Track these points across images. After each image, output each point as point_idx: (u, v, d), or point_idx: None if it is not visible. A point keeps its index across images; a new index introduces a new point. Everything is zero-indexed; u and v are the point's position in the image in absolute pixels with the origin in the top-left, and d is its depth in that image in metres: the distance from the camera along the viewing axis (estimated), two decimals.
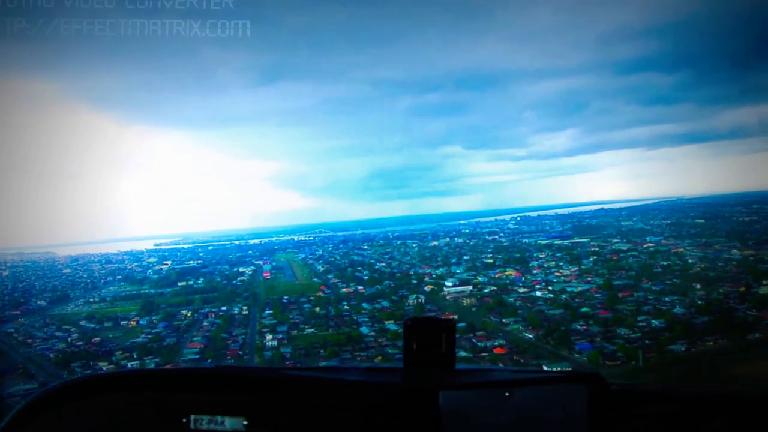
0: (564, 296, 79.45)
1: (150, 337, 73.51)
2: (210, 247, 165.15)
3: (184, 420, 2.22)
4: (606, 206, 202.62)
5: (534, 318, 71.16)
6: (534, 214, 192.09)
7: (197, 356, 65.24)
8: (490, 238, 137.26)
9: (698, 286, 74.40)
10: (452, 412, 2.22)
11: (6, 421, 2.24)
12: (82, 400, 2.30)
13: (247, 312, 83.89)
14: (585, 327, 66.00)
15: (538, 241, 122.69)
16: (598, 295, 77.82)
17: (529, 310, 75.71)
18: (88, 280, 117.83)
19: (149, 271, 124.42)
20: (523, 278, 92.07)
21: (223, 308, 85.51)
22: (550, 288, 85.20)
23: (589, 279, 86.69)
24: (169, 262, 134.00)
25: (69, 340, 74.46)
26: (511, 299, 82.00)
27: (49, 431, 2.24)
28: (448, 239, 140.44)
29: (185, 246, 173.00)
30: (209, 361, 63.28)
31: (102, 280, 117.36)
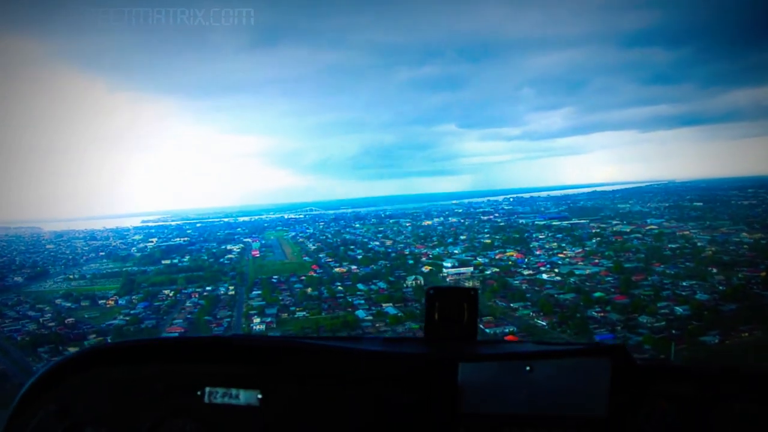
0: (573, 279, 73.32)
1: (128, 318, 66.32)
2: (198, 225, 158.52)
3: (199, 393, 2.10)
4: (599, 188, 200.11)
5: (544, 303, 64.82)
6: (527, 195, 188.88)
7: None
8: (486, 218, 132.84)
9: (714, 270, 68.13)
10: (472, 385, 2.13)
11: (20, 395, 2.14)
12: (93, 372, 2.17)
13: (233, 292, 76.81)
14: (602, 314, 59.34)
15: (536, 222, 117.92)
16: (609, 278, 71.80)
17: (538, 294, 69.47)
18: (70, 257, 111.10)
19: (133, 248, 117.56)
20: (525, 260, 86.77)
21: (208, 288, 78.41)
22: (556, 270, 79.50)
23: (597, 261, 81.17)
24: (154, 240, 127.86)
25: (41, 320, 67.23)
26: (516, 282, 75.98)
27: (61, 404, 2.10)
28: (441, 219, 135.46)
29: (173, 223, 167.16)
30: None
31: (84, 257, 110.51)
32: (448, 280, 79.60)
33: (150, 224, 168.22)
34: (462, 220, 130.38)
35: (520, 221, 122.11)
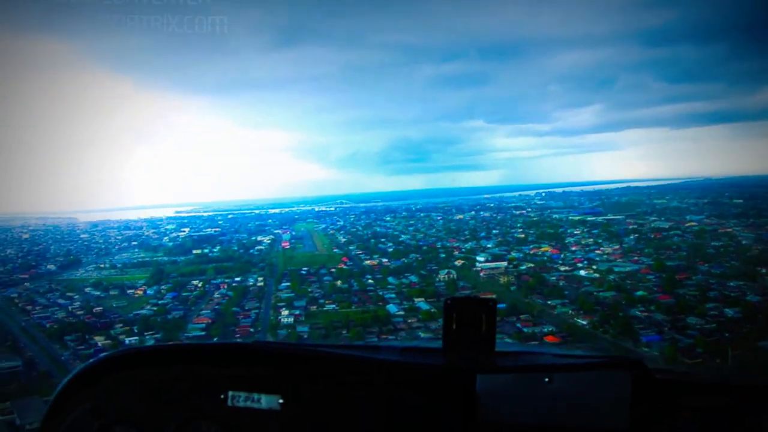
0: (612, 277, 69.71)
1: (155, 309, 64.57)
2: (230, 216, 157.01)
3: (222, 396, 2.15)
4: (633, 184, 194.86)
5: (584, 301, 61.42)
6: (559, 190, 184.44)
7: (202, 333, 56.29)
8: (518, 212, 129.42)
9: (764, 271, 63.84)
10: (490, 396, 2.11)
11: (56, 392, 2.20)
12: (122, 374, 2.24)
13: (262, 283, 74.62)
14: (646, 313, 55.79)
15: (570, 217, 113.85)
16: (651, 276, 68.03)
17: (576, 291, 66.05)
18: (103, 246, 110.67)
19: (165, 238, 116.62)
20: (561, 255, 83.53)
21: (237, 279, 76.41)
22: (594, 267, 75.94)
23: (636, 258, 77.31)
24: (186, 230, 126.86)
25: (70, 308, 65.98)
26: (553, 278, 72.69)
27: (96, 403, 2.17)
28: (473, 213, 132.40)
29: (205, 214, 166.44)
30: (215, 339, 54.23)
31: (116, 246, 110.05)
32: (481, 274, 77.06)
33: (183, 215, 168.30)
34: (494, 215, 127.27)
35: (554, 216, 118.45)
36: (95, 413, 2.16)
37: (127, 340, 54.68)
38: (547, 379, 2.12)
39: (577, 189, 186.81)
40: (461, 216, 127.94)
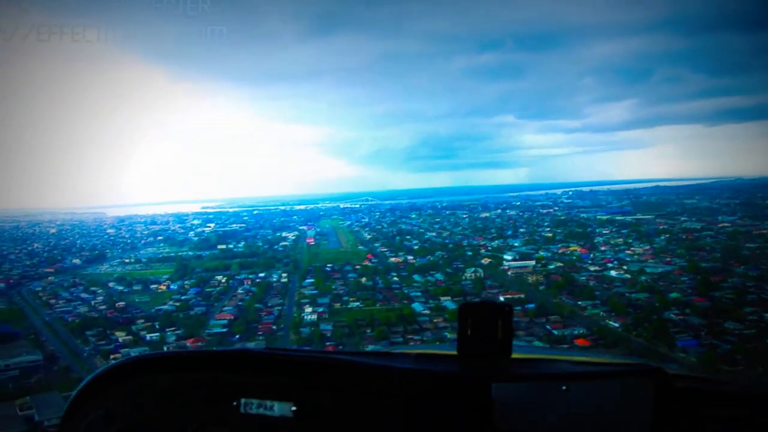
0: (644, 278, 67.24)
1: (177, 304, 63.63)
2: (255, 212, 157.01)
3: (234, 403, 2.14)
4: (661, 184, 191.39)
5: (616, 302, 59.18)
6: (586, 189, 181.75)
7: (224, 330, 55.05)
8: (545, 211, 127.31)
9: None
10: (505, 405, 2.06)
11: (71, 398, 2.23)
12: (136, 380, 2.24)
13: (286, 280, 73.43)
14: (681, 317, 53.31)
15: (598, 216, 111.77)
16: (684, 278, 65.35)
17: (607, 292, 63.87)
18: (129, 241, 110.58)
19: (191, 233, 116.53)
20: (591, 255, 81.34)
21: (261, 275, 75.38)
22: (625, 267, 73.65)
23: (669, 259, 74.69)
24: (212, 225, 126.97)
25: (93, 303, 65.39)
26: (583, 278, 70.50)
27: (109, 409, 2.18)
28: (499, 211, 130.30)
29: (231, 210, 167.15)
30: (237, 337, 53.16)
31: (142, 241, 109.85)
32: (509, 273, 75.13)
33: (209, 210, 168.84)
34: (521, 213, 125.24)
35: (582, 215, 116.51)
36: (108, 419, 2.13)
37: (147, 336, 53.79)
38: (564, 387, 2.06)
39: (605, 188, 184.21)
40: (487, 214, 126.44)
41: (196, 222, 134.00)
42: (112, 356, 48.71)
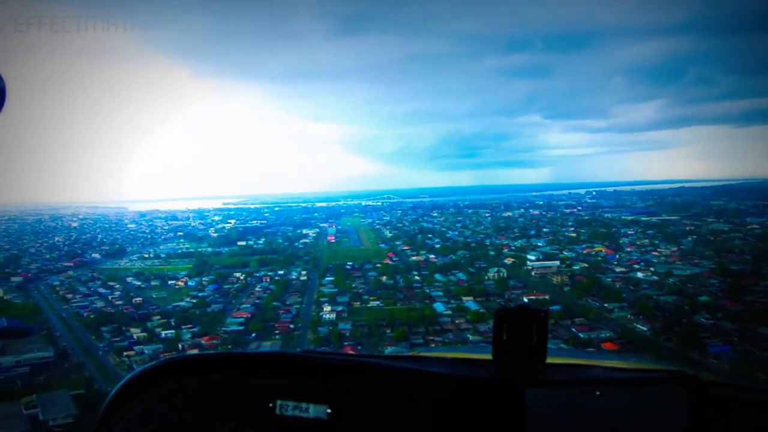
0: (672, 280, 64.62)
1: (194, 301, 62.08)
2: (276, 208, 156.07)
3: (270, 405, 2.14)
4: (687, 185, 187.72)
5: (643, 305, 56.69)
6: (610, 189, 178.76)
7: (241, 328, 53.28)
8: (568, 211, 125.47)
9: None
10: (539, 410, 2.05)
11: (109, 397, 2.25)
12: (173, 381, 2.27)
13: (305, 277, 71.64)
14: (712, 321, 50.61)
15: (622, 217, 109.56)
16: (713, 281, 62.59)
17: (634, 294, 61.40)
18: (149, 236, 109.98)
19: (211, 229, 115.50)
20: (616, 256, 78.97)
21: (281, 272, 73.71)
22: (652, 269, 71.10)
23: (696, 261, 72.03)
24: (233, 221, 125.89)
25: (110, 298, 64.13)
26: (608, 279, 68.13)
27: (146, 409, 2.20)
28: (522, 210, 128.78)
29: (252, 206, 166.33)
30: (253, 335, 51.41)
31: (162, 236, 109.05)
32: (532, 273, 72.88)
33: (231, 206, 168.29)
34: (544, 212, 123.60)
35: (606, 215, 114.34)
36: (145, 418, 2.15)
37: (162, 333, 52.24)
38: (598, 393, 2.03)
39: (629, 188, 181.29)
40: (510, 213, 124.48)
41: (216, 218, 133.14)
42: (125, 353, 47.38)
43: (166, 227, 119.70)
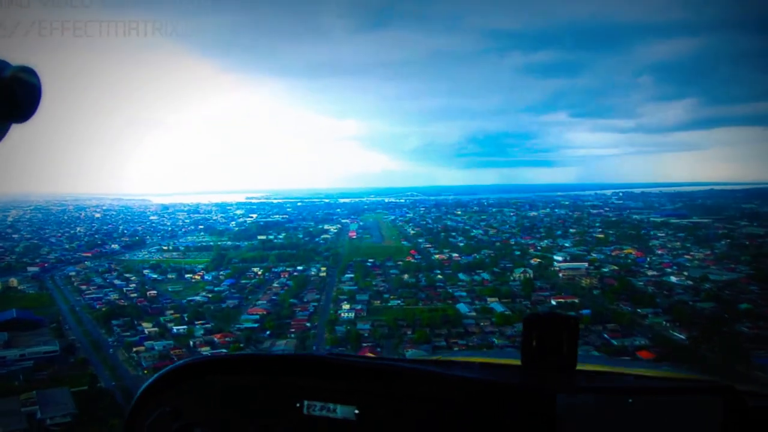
0: (708, 285, 60.94)
1: (210, 296, 59.78)
2: (299, 204, 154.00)
3: (298, 405, 2.15)
4: (716, 187, 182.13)
5: (679, 311, 53.19)
6: (636, 190, 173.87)
7: (255, 325, 50.66)
8: (595, 211, 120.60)
9: None
10: (569, 418, 2.02)
11: (138, 393, 2.25)
12: (203, 380, 2.27)
13: (324, 274, 68.92)
14: (755, 331, 46.97)
15: (651, 218, 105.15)
16: (753, 287, 58.81)
17: (668, 300, 57.82)
18: (169, 228, 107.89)
19: (232, 223, 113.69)
20: (647, 259, 75.16)
21: (300, 268, 71.09)
22: (685, 273, 67.33)
23: (733, 266, 68.06)
24: (254, 215, 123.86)
25: (125, 290, 61.97)
26: (640, 283, 64.62)
27: (175, 406, 2.19)
28: (548, 210, 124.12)
29: (275, 201, 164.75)
30: (268, 333, 48.78)
31: (183, 229, 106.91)
32: (560, 275, 69.50)
33: (253, 201, 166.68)
34: (570, 213, 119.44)
35: (634, 217, 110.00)
36: (174, 415, 2.15)
37: (174, 329, 49.90)
38: (630, 401, 1.97)
39: (656, 190, 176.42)
40: (535, 213, 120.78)
41: (238, 212, 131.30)
42: (134, 349, 44.98)
43: (188, 220, 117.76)
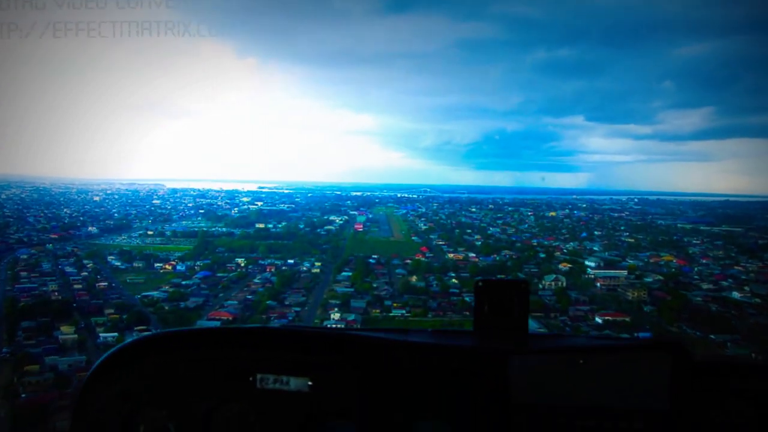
0: None
1: (170, 292, 44.65)
2: (309, 194, 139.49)
3: (251, 378, 2.05)
4: (731, 198, 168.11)
5: (760, 337, 37.49)
6: (652, 198, 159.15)
7: None
8: (616, 215, 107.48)
9: None
10: (522, 378, 2.00)
11: (85, 378, 2.09)
12: (152, 358, 2.12)
13: (318, 270, 53.67)
14: None
15: (678, 224, 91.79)
16: None
17: (743, 322, 42.36)
18: (166, 212, 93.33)
19: (234, 209, 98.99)
20: (693, 269, 60.37)
21: (290, 261, 55.71)
22: (746, 288, 52.75)
23: None
24: (260, 203, 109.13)
25: (70, 280, 46.99)
26: (698, 298, 49.41)
27: (123, 388, 2.06)
28: (567, 211, 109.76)
29: (286, 191, 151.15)
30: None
31: (180, 214, 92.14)
32: (598, 284, 54.23)
33: (265, 189, 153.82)
34: (590, 215, 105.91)
35: (659, 222, 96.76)
36: (123, 397, 2.01)
37: (102, 336, 34.86)
38: (581, 361, 1.96)
39: (671, 198, 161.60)
40: (554, 213, 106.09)
41: (245, 199, 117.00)
42: (26, 368, 29.71)
43: (190, 204, 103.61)
